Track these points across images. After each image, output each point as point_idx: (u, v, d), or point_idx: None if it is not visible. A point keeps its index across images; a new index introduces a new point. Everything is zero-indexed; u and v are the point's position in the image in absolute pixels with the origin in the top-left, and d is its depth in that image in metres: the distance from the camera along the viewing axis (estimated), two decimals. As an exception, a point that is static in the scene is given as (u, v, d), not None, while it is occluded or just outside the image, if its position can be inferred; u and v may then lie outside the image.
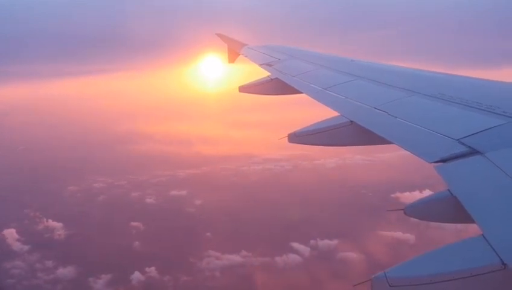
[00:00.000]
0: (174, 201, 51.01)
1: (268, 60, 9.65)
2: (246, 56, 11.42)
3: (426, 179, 45.32)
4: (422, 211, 3.61)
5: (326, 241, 40.59)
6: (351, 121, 5.00)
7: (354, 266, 36.75)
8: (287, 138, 5.35)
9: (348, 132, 5.01)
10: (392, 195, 48.43)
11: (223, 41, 14.33)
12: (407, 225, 41.66)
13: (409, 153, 3.87)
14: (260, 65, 9.48)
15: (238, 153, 67.18)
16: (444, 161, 3.49)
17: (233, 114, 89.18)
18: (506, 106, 4.18)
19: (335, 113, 5.36)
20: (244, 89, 8.53)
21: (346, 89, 6.27)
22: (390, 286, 2.53)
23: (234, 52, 12.99)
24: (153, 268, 36.92)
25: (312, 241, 40.52)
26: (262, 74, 8.81)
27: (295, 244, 39.96)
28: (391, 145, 4.61)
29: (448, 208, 3.23)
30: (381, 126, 4.66)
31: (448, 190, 3.26)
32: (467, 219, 2.82)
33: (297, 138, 5.30)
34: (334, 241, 40.46)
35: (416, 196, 46.19)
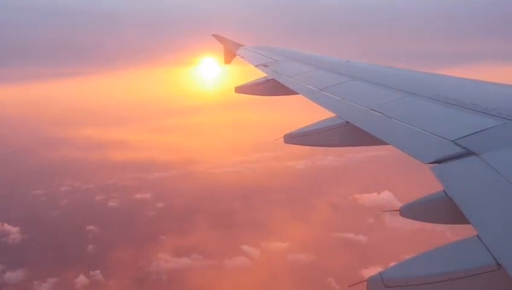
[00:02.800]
0: (136, 204, 50.73)
1: (264, 60, 9.64)
2: (242, 57, 11.40)
3: (387, 181, 45.94)
4: (417, 211, 3.61)
5: (278, 244, 40.71)
6: (347, 122, 5.00)
7: (302, 267, 37.05)
8: (282, 138, 5.34)
9: (344, 133, 5.01)
10: (350, 197, 48.96)
11: (219, 42, 14.31)
12: (361, 226, 41.90)
13: (403, 153, 3.88)
14: (256, 66, 9.46)
15: (220, 155, 66.73)
16: (439, 162, 3.50)
17: (228, 115, 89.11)
18: (501, 107, 4.19)
19: (331, 114, 5.36)
20: (240, 89, 8.50)
21: (342, 90, 6.28)
22: (385, 286, 2.54)
23: (230, 53, 12.97)
24: (97, 271, 36.95)
25: (263, 244, 40.68)
26: (258, 74, 8.80)
27: (245, 247, 40.20)
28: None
29: (443, 209, 3.24)
30: (377, 127, 4.66)
31: (444, 191, 3.27)
32: (462, 219, 2.83)
33: (293, 138, 5.28)
34: (286, 244, 40.57)
35: (373, 198, 46.70)
